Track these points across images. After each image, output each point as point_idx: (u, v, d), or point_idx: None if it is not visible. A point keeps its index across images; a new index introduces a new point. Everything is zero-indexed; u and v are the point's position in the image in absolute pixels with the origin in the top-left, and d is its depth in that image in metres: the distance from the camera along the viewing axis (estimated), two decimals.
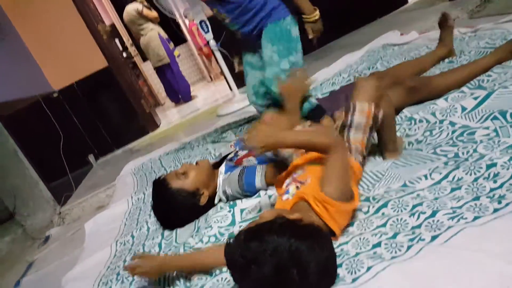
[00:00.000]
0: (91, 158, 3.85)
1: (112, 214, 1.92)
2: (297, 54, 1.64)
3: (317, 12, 1.58)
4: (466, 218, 0.85)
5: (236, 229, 1.29)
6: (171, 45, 5.49)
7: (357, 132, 1.20)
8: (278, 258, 0.77)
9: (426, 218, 0.91)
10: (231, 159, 1.61)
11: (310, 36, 1.64)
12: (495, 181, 0.94)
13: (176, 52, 5.54)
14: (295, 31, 1.62)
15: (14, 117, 3.32)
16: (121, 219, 1.83)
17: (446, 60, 1.83)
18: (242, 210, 1.37)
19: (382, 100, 1.22)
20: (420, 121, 1.41)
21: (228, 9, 1.64)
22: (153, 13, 5.21)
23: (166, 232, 1.51)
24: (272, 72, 1.62)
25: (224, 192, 1.48)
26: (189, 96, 5.75)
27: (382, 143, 1.29)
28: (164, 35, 5.42)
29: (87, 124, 3.86)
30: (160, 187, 1.49)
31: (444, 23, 1.82)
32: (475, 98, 1.33)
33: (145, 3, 5.20)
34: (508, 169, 0.95)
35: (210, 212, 1.47)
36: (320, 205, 0.96)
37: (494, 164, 0.99)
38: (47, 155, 3.29)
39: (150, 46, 5.28)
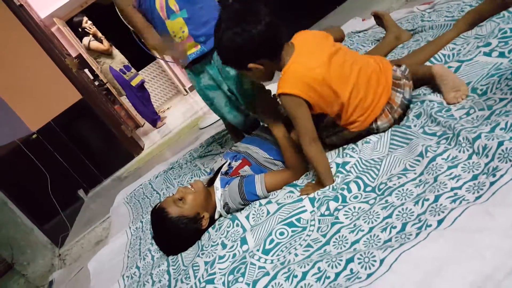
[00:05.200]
0: (81, 193, 3.77)
1: (113, 248, 1.88)
2: None
3: None
4: (467, 200, 0.88)
5: (248, 235, 1.28)
6: (128, 74, 5.01)
7: None
8: None
9: (429, 204, 0.93)
10: (226, 172, 1.59)
11: None
12: (486, 155, 0.96)
13: (135, 80, 5.08)
14: None
15: None
16: (123, 252, 1.79)
17: (409, 41, 1.85)
18: (247, 217, 1.36)
19: None
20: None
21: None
22: (102, 46, 4.83)
23: (171, 257, 1.49)
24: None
25: (226, 205, 1.47)
26: (155, 122, 5.37)
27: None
28: (119, 65, 4.94)
29: (72, 159, 3.79)
30: (159, 216, 1.47)
31: (378, 18, 1.92)
32: None
33: (99, 34, 4.90)
34: (493, 139, 0.97)
35: (211, 229, 1.46)
36: None
37: (479, 136, 1.01)
38: (37, 198, 3.24)
39: (108, 80, 5.08)
